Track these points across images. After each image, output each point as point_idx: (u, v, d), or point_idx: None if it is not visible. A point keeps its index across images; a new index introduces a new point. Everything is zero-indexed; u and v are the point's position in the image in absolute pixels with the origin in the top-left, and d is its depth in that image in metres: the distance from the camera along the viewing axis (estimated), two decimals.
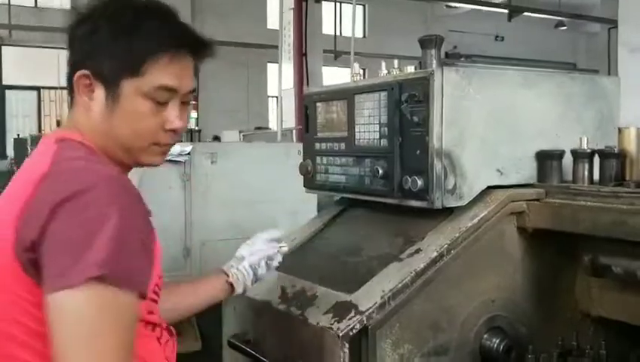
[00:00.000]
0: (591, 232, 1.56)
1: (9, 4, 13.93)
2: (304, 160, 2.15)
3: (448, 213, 1.72)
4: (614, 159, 1.77)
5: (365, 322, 1.55)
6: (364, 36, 18.13)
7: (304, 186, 2.19)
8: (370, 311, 1.56)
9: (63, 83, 1.41)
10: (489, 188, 1.75)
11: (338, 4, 16.78)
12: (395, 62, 1.92)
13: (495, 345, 1.69)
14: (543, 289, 1.81)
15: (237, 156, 3.83)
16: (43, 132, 12.05)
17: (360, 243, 1.91)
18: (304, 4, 8.44)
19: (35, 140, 8.16)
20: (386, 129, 1.83)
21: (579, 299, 1.85)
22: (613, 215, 1.50)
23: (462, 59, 18.01)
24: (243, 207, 3.74)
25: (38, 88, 15.47)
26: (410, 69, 1.85)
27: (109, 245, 1.12)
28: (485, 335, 1.71)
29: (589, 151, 1.77)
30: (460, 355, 1.65)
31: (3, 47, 15.14)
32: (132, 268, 1.18)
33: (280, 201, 3.68)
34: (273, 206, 3.72)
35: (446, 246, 1.62)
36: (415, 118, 1.74)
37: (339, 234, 2.06)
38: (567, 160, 1.81)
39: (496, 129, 1.78)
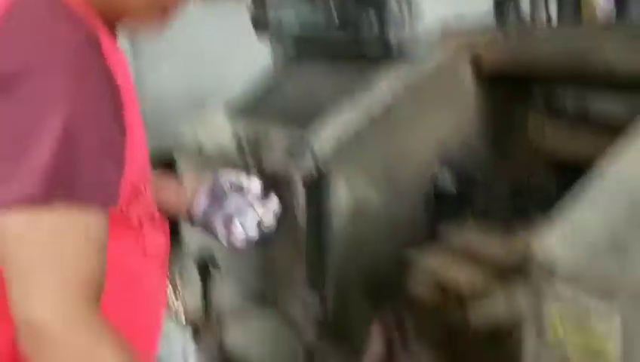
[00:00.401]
0: (547, 73, 1.56)
1: None
2: (255, 7, 2.08)
3: (404, 56, 1.70)
4: None
5: (320, 165, 1.56)
6: None
7: (255, 33, 2.12)
8: (325, 153, 1.57)
9: None
10: (446, 30, 1.73)
11: None
12: None
13: (448, 186, 1.72)
14: (497, 131, 1.82)
15: (186, 17, 3.69)
16: None
17: (315, 89, 1.89)
18: None
19: None
20: None
21: (532, 139, 1.88)
22: (570, 55, 1.49)
23: None
24: (195, 68, 3.67)
25: None
26: None
27: (59, 147, 0.86)
28: (439, 176, 1.74)
29: None
30: (414, 196, 1.68)
31: None
32: (92, 175, 0.91)
33: (233, 62, 3.61)
34: (226, 66, 3.64)
35: (401, 88, 1.61)
36: None
37: (293, 83, 2.03)
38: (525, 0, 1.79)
39: None
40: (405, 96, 1.62)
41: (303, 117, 1.76)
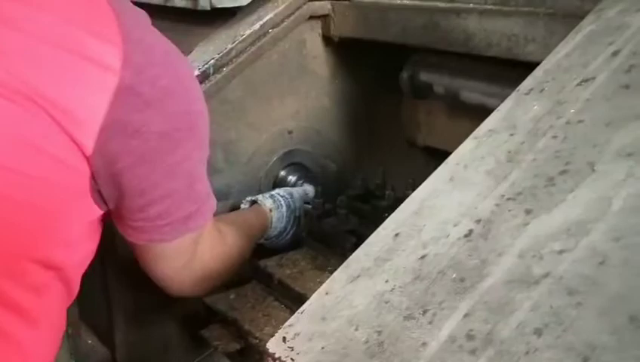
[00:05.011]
0: (400, 40, 1.37)
1: None
2: None
3: (229, 18, 1.49)
4: None
5: None
6: None
7: None
8: None
9: None
10: None
11: None
12: None
13: (292, 185, 1.54)
14: (358, 115, 1.65)
15: None
16: None
17: None
18: None
19: None
20: None
21: (404, 126, 1.71)
22: (426, 16, 1.31)
23: None
24: None
25: None
26: None
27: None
28: (281, 173, 1.55)
29: None
30: (246, 197, 1.48)
31: None
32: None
33: None
34: None
35: (213, 62, 1.37)
36: None
37: None
38: None
39: None
40: (221, 70, 1.39)
41: None
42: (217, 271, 1.18)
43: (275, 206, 1.39)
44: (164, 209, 0.99)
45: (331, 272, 1.24)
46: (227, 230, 1.21)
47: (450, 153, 1.60)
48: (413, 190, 1.50)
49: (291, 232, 1.41)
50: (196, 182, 1.03)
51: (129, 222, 1.00)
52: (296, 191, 1.47)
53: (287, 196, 1.42)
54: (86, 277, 1.36)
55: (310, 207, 1.43)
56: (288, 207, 1.40)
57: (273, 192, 1.43)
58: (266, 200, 1.39)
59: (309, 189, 1.50)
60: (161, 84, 0.91)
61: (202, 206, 1.05)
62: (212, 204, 1.08)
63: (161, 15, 1.79)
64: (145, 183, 0.94)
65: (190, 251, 1.09)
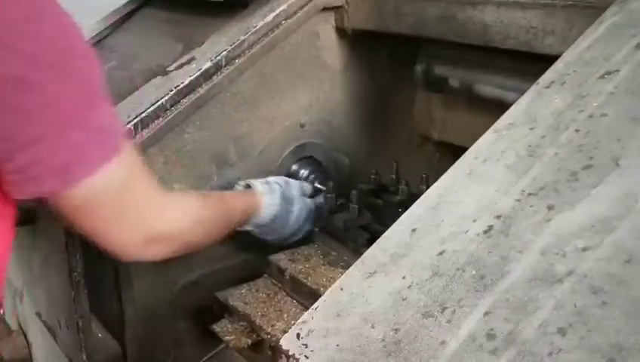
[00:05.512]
0: (414, 32, 1.36)
1: None
2: None
3: (242, 9, 1.47)
4: None
5: None
6: None
7: None
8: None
9: None
10: None
11: None
12: None
13: (303, 179, 1.52)
14: (371, 109, 1.63)
15: None
16: None
17: (138, 51, 1.63)
18: None
19: None
20: None
21: (418, 120, 1.70)
22: (441, 7, 1.29)
23: None
24: None
25: None
26: None
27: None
28: (294, 167, 1.53)
29: None
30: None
31: None
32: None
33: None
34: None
35: (225, 53, 1.36)
36: None
37: (120, 41, 1.77)
38: None
39: None
40: (233, 62, 1.37)
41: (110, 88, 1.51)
42: (170, 235, 1.10)
43: (269, 191, 1.36)
44: (35, 157, 0.92)
45: (344, 268, 1.23)
46: (188, 198, 1.19)
47: (465, 148, 1.59)
48: (427, 185, 1.49)
49: (287, 220, 1.38)
50: (74, 128, 0.94)
51: (5, 177, 0.94)
52: (293, 181, 1.45)
53: (281, 183, 1.40)
54: (97, 271, 1.37)
55: (322, 201, 1.42)
56: (282, 194, 1.38)
57: (269, 178, 1.41)
58: (259, 185, 1.37)
59: (305, 185, 1.49)
60: (4, 22, 0.85)
61: (86, 153, 0.95)
62: (106, 151, 0.97)
63: (174, 6, 1.79)
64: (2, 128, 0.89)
65: (110, 206, 1.01)
